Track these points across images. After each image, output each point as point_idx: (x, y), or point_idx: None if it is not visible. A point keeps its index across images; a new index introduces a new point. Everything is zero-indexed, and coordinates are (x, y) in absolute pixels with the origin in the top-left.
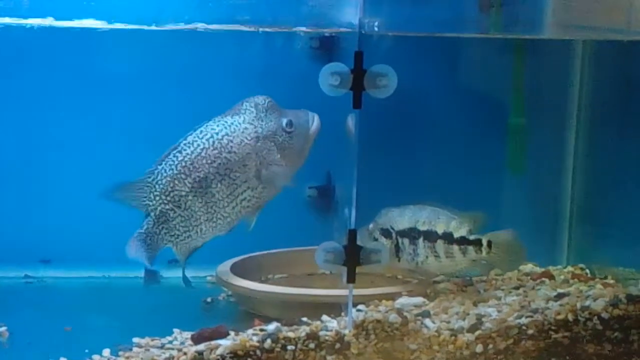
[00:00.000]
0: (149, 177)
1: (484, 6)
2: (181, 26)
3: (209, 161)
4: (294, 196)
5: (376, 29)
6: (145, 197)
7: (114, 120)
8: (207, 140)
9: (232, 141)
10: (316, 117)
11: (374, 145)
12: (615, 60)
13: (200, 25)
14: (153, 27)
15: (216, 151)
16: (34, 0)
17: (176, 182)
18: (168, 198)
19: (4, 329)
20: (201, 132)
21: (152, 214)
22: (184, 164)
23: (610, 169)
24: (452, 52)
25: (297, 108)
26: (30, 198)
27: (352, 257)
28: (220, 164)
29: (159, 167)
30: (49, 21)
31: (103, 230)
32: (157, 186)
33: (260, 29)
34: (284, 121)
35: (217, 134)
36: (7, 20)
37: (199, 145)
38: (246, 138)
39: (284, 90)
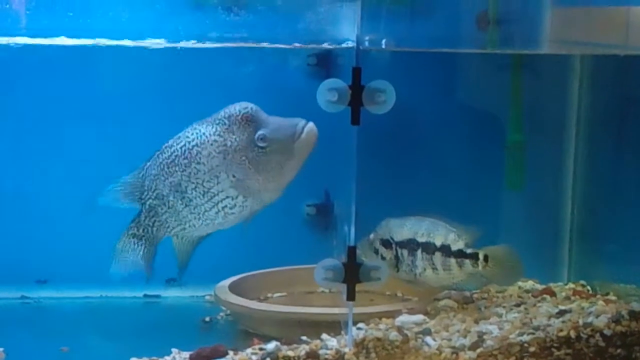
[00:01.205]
0: (139, 173)
1: (482, 23)
2: (175, 44)
3: (181, 168)
4: (292, 214)
5: (383, 46)
6: (137, 191)
7: (110, 140)
8: (180, 147)
9: (200, 152)
10: (307, 128)
11: (372, 162)
12: (613, 76)
13: (192, 43)
14: (143, 44)
15: (186, 160)
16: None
17: (158, 182)
18: (154, 195)
19: (0, 349)
20: (179, 137)
21: (143, 207)
22: (162, 166)
23: (609, 185)
24: (450, 68)
25: None
26: (26, 218)
27: (352, 275)
28: (190, 172)
29: (147, 165)
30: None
31: (100, 250)
32: (145, 182)
33: (258, 46)
34: (257, 135)
35: (189, 142)
36: None
37: (174, 151)
38: (214, 150)
39: (282, 107)
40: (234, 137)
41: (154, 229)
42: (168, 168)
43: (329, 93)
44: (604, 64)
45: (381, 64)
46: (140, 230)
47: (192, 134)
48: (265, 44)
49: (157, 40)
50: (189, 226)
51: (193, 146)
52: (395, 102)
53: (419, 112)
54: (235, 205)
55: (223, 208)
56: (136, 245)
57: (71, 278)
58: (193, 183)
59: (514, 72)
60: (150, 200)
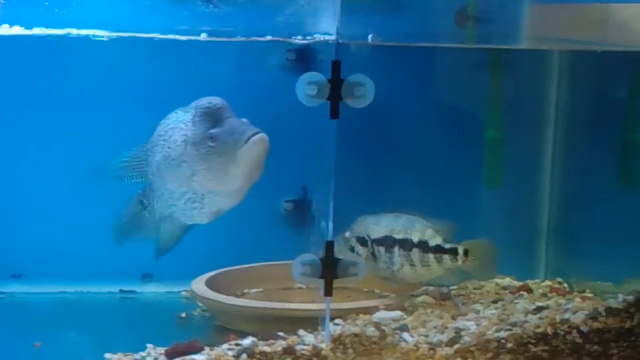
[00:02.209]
0: (143, 147)
1: (460, 20)
2: (155, 35)
3: (159, 150)
4: (270, 210)
5: (369, 40)
6: (141, 165)
7: (84, 132)
8: (162, 128)
9: (171, 137)
10: (255, 138)
11: (351, 157)
12: (591, 73)
13: (172, 36)
14: (120, 35)
15: (163, 142)
16: None
17: (149, 159)
18: (150, 170)
19: None
20: (167, 118)
21: (146, 180)
22: (150, 145)
23: (587, 182)
24: (429, 64)
25: (271, 121)
26: (0, 213)
27: (330, 270)
28: (164, 156)
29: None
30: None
31: (75, 245)
32: (146, 156)
33: (235, 40)
34: (209, 132)
35: (168, 124)
36: None
37: (158, 131)
38: (179, 139)
39: (260, 101)
40: (194, 128)
41: (154, 202)
42: (153, 147)
43: (308, 86)
44: (582, 60)
45: (361, 58)
46: (145, 200)
47: (173, 116)
48: (242, 38)
49: (136, 33)
50: (172, 211)
51: (168, 130)
52: (375, 96)
53: (398, 107)
54: (195, 200)
55: (187, 200)
56: (141, 213)
57: (46, 273)
58: (166, 166)
59: (493, 69)
60: (150, 176)
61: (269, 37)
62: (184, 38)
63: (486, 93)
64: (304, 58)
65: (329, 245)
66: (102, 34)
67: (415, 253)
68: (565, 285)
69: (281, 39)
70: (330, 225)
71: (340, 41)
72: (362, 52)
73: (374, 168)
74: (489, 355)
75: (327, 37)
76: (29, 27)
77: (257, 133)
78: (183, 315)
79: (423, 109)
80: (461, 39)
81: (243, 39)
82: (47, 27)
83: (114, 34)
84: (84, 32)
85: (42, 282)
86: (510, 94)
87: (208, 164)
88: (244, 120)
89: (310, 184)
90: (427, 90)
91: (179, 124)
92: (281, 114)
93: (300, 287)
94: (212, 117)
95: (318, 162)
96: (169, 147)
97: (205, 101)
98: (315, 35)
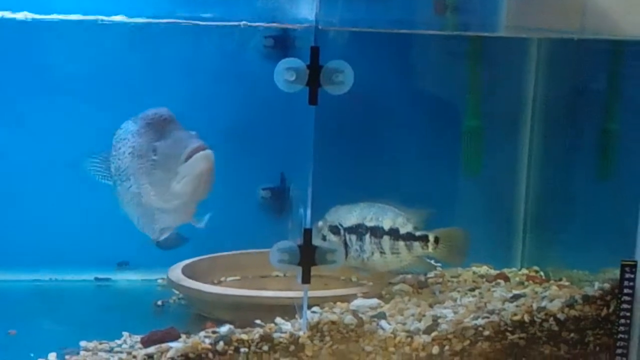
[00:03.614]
0: (107, 152)
1: (439, 9)
2: (132, 19)
3: (113, 160)
4: (247, 198)
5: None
6: (107, 169)
7: (66, 118)
8: (115, 138)
9: (120, 149)
10: (198, 154)
11: (329, 144)
12: (569, 61)
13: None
14: (97, 18)
15: (115, 153)
16: None
17: (111, 165)
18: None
19: None
20: (120, 127)
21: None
22: (110, 152)
23: (563, 171)
24: (409, 51)
25: (249, 108)
26: None
27: (308, 257)
28: (115, 167)
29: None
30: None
31: (50, 233)
32: (108, 163)
33: (211, 24)
34: (153, 145)
35: (119, 135)
36: None
37: (113, 140)
38: (127, 151)
39: (237, 88)
40: (140, 140)
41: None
42: (111, 155)
43: (286, 72)
44: (560, 49)
45: (340, 45)
46: None
47: (124, 126)
48: (218, 22)
49: (113, 17)
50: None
51: (120, 140)
52: (354, 83)
53: (377, 94)
54: (145, 214)
55: (139, 215)
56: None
57: (20, 261)
58: (118, 178)
59: (472, 57)
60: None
61: (245, 23)
62: (161, 21)
63: (465, 81)
64: (282, 45)
65: (307, 233)
66: (77, 18)
67: (386, 241)
68: (542, 273)
69: (259, 25)
70: (309, 212)
71: (320, 27)
72: (341, 39)
73: (352, 155)
74: (467, 342)
75: (305, 25)
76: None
77: (201, 149)
78: (159, 303)
79: (402, 96)
80: (440, 27)
81: (219, 23)
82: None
83: (91, 17)
84: (61, 17)
85: (16, 270)
86: (489, 83)
87: (150, 179)
88: (193, 133)
89: (288, 171)
90: (406, 77)
91: (127, 135)
92: (259, 100)
93: (277, 275)
94: (157, 129)
95: (296, 149)
96: (119, 159)
97: (151, 112)
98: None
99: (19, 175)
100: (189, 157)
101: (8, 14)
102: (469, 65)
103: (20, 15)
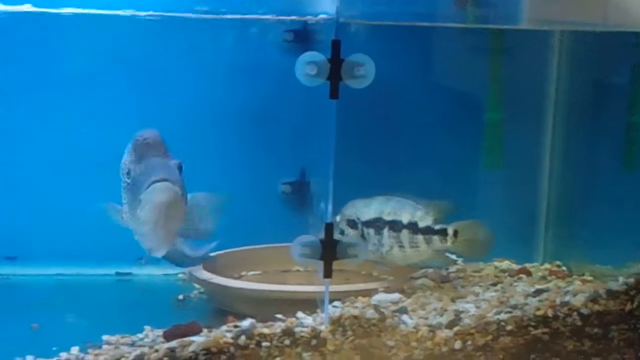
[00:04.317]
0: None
1: (460, 2)
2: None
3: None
4: (267, 192)
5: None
6: None
7: (78, 111)
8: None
9: (122, 160)
10: (153, 188)
11: (350, 137)
12: (591, 54)
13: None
14: (117, 13)
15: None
16: None
17: None
18: None
19: None
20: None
21: None
22: None
23: (586, 165)
24: (430, 44)
25: (269, 102)
26: None
27: (329, 251)
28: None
29: None
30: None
31: (73, 226)
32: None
33: (231, 17)
34: (129, 168)
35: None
36: None
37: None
38: (122, 165)
39: (258, 82)
40: (125, 158)
41: None
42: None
43: (307, 66)
44: (582, 41)
45: (360, 38)
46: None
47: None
48: (238, 16)
49: (134, 11)
50: None
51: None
52: (375, 77)
53: (398, 87)
54: (135, 232)
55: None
56: None
57: (42, 255)
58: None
59: (494, 50)
60: None
61: (266, 16)
62: (180, 15)
63: (486, 74)
64: (302, 39)
65: (329, 227)
66: (98, 12)
67: (405, 234)
68: (564, 268)
69: (279, 18)
70: (330, 206)
71: (341, 20)
72: (362, 32)
73: (373, 149)
74: (489, 337)
75: (326, 17)
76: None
77: (160, 180)
78: (180, 297)
79: (423, 89)
80: (461, 20)
81: (239, 16)
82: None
83: (112, 12)
84: (80, 10)
85: (38, 264)
86: (511, 76)
87: (126, 199)
88: (173, 162)
89: (308, 166)
90: (427, 71)
91: (127, 149)
92: (279, 95)
93: (298, 270)
94: (137, 151)
95: (317, 144)
96: (120, 174)
97: (140, 132)
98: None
99: (42, 170)
100: (149, 186)
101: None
102: (490, 58)
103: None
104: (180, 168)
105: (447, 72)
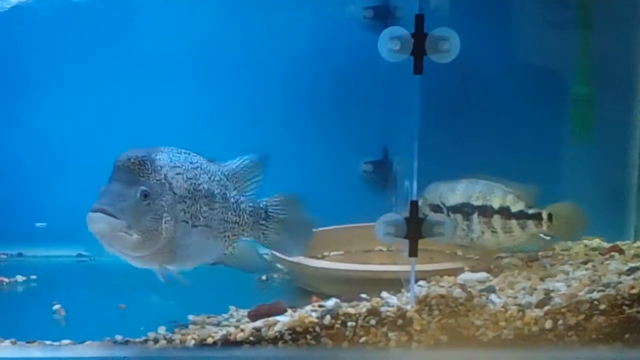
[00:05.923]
0: None
1: None
2: None
3: None
4: (349, 172)
5: None
6: None
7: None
8: None
9: None
10: (88, 217)
11: (433, 115)
12: None
13: None
14: None
15: None
16: None
17: None
18: None
19: (59, 306)
20: None
21: None
22: None
23: None
24: (515, 16)
25: (350, 79)
26: (81, 182)
27: (414, 230)
28: None
29: None
30: None
31: None
32: None
33: None
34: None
35: None
36: None
37: None
38: None
39: (338, 59)
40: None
41: None
42: None
43: (390, 42)
44: None
45: (443, 12)
46: None
47: None
48: None
49: None
50: None
51: None
52: (459, 51)
53: (483, 62)
54: None
55: None
56: None
57: None
58: None
59: (582, 22)
60: None
61: None
62: None
63: (574, 47)
64: (382, 15)
65: (414, 205)
66: None
67: (497, 219)
68: None
69: None
70: (415, 184)
71: None
72: (444, 6)
73: (457, 125)
74: (581, 317)
75: None
76: None
77: (93, 209)
78: (264, 278)
79: (508, 64)
80: None
81: None
82: None
83: None
84: None
85: None
86: (599, 48)
87: None
88: (135, 190)
89: (391, 144)
90: (512, 44)
91: None
92: (360, 72)
93: (380, 250)
94: (112, 172)
95: (399, 121)
96: None
97: (125, 152)
98: None
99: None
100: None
101: None
102: (578, 31)
103: None
104: (145, 196)
105: (533, 45)
